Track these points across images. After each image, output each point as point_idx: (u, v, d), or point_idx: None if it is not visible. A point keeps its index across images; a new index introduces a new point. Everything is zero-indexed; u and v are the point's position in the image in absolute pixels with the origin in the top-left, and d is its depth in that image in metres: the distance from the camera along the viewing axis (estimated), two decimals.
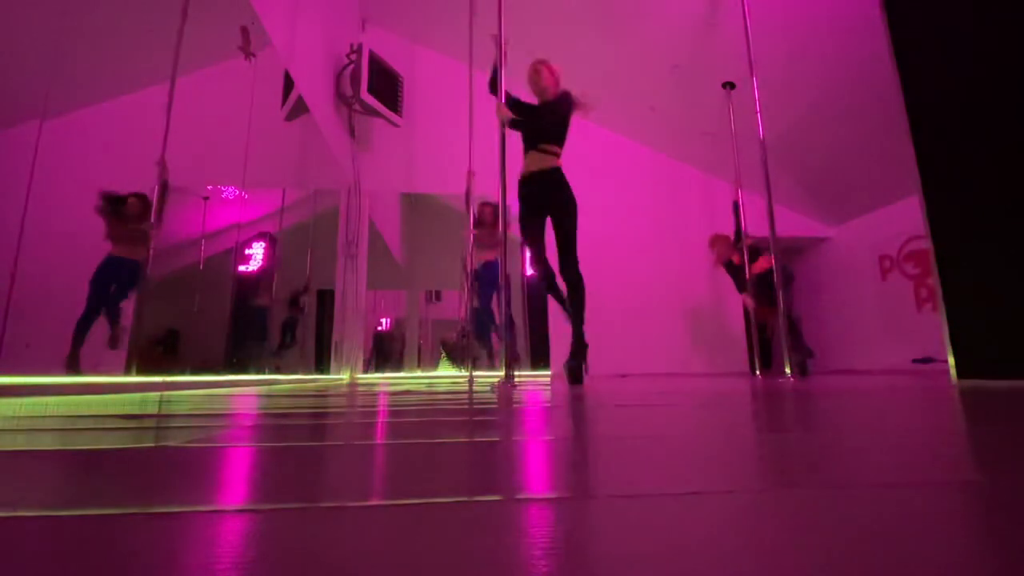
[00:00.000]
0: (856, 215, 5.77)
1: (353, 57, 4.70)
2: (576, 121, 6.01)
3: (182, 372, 2.60)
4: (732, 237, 4.55)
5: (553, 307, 5.32)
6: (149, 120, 2.36)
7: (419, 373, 5.52)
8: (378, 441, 0.75)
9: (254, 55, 3.17)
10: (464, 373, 4.83)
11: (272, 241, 3.96)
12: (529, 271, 5.59)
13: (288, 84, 3.73)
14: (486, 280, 4.43)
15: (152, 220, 2.27)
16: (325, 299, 4.93)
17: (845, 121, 4.61)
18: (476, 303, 4.57)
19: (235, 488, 0.45)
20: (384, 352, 5.65)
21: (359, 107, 4.76)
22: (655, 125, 5.61)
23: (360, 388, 2.72)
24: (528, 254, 2.97)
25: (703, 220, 5.83)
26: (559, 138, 2.89)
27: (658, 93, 5.21)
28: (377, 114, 4.89)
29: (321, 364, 4.75)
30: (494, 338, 4.50)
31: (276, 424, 0.98)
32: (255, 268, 3.86)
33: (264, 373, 3.71)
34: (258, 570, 0.24)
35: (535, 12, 4.59)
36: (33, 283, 1.69)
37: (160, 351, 2.56)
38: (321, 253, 4.96)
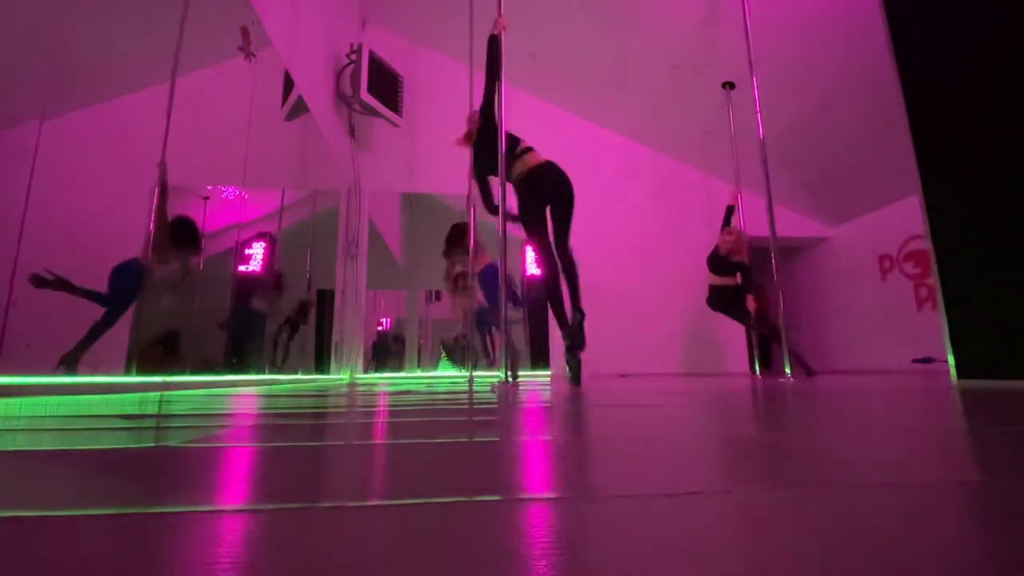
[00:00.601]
0: (856, 215, 5.77)
1: (353, 57, 4.70)
2: (576, 121, 6.01)
3: (182, 372, 2.60)
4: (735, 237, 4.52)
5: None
6: (149, 120, 2.36)
7: (419, 373, 5.52)
8: (378, 441, 0.75)
9: (254, 55, 3.17)
10: (464, 373, 4.83)
11: (272, 241, 3.96)
12: (530, 271, 5.58)
13: (288, 84, 3.73)
14: (489, 283, 4.42)
15: (153, 221, 2.27)
16: (325, 299, 4.93)
17: (845, 121, 4.61)
18: (477, 304, 4.56)
19: (235, 488, 0.45)
20: (384, 352, 5.65)
21: (359, 107, 4.76)
22: (655, 125, 5.61)
23: (360, 388, 2.72)
24: (533, 250, 2.97)
25: (703, 220, 5.83)
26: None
27: (658, 93, 5.21)
28: (377, 114, 4.88)
29: (321, 364, 4.75)
30: (494, 338, 4.49)
31: (276, 424, 0.98)
32: (266, 270, 3.86)
33: (264, 373, 3.71)
34: (258, 570, 0.24)
35: (535, 12, 4.59)
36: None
37: (160, 351, 2.56)
38: (321, 253, 4.96)
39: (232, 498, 0.41)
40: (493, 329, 4.50)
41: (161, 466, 0.54)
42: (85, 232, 2.02)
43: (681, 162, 5.94)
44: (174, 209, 2.57)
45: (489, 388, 2.50)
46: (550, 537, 0.29)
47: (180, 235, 2.69)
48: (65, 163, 1.88)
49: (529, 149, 2.98)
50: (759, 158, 3.76)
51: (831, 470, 0.49)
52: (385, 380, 4.64)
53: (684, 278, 5.55)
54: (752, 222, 4.79)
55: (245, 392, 2.30)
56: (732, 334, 5.43)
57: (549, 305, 2.95)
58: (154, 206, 2.32)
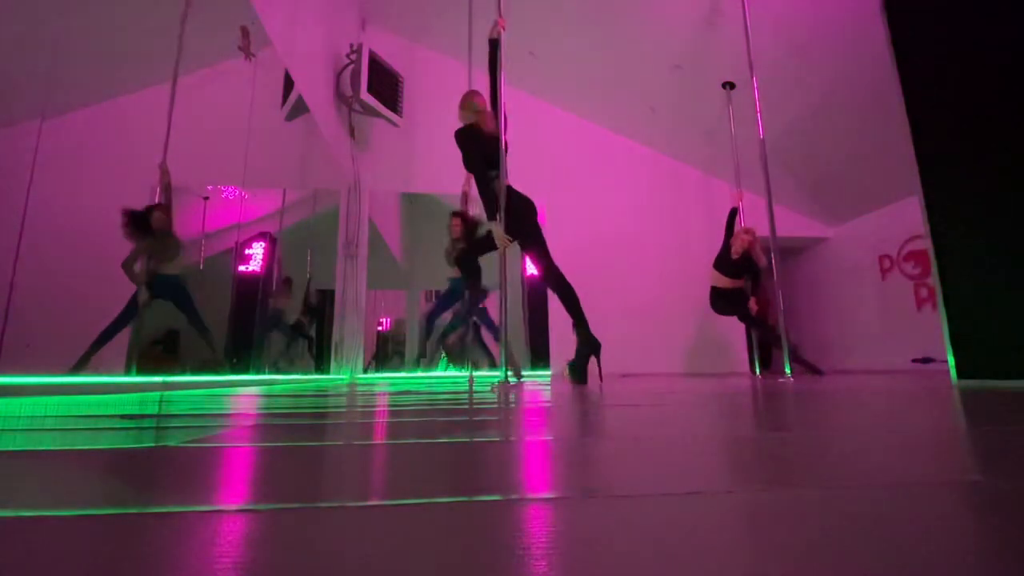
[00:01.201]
0: (856, 215, 5.77)
1: (353, 57, 4.70)
2: (576, 121, 6.01)
3: (182, 372, 2.60)
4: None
5: (554, 306, 5.32)
6: (149, 120, 2.36)
7: (419, 373, 5.52)
8: (378, 441, 0.75)
9: (254, 55, 3.17)
10: (464, 373, 4.82)
11: (272, 241, 3.96)
12: (530, 271, 5.58)
13: (288, 84, 3.73)
14: (453, 292, 4.37)
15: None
16: (325, 299, 4.93)
17: (845, 121, 4.61)
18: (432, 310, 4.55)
19: (235, 488, 0.45)
20: (384, 352, 5.65)
21: (359, 107, 4.76)
22: (655, 125, 5.61)
23: (360, 388, 2.72)
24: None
25: (703, 220, 5.83)
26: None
27: (658, 93, 5.21)
28: (377, 114, 4.88)
29: (321, 364, 4.75)
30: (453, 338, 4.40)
31: (276, 424, 0.98)
32: (278, 275, 3.88)
33: (264, 373, 3.71)
34: (258, 570, 0.24)
35: (535, 12, 4.59)
36: (33, 283, 1.69)
37: (160, 351, 2.56)
38: (321, 253, 4.96)
39: (232, 498, 0.41)
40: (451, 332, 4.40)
41: (161, 466, 0.54)
42: (85, 232, 2.02)
43: (681, 162, 5.94)
44: (175, 209, 2.57)
45: (489, 388, 2.50)
46: (550, 537, 0.29)
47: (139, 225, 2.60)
48: (65, 163, 1.88)
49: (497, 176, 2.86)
50: (759, 158, 3.77)
51: (831, 470, 0.49)
52: (385, 380, 4.64)
53: (685, 278, 5.55)
54: (752, 222, 4.79)
55: (245, 392, 2.30)
56: (733, 334, 5.43)
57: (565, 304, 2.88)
58: (158, 198, 2.32)
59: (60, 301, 1.90)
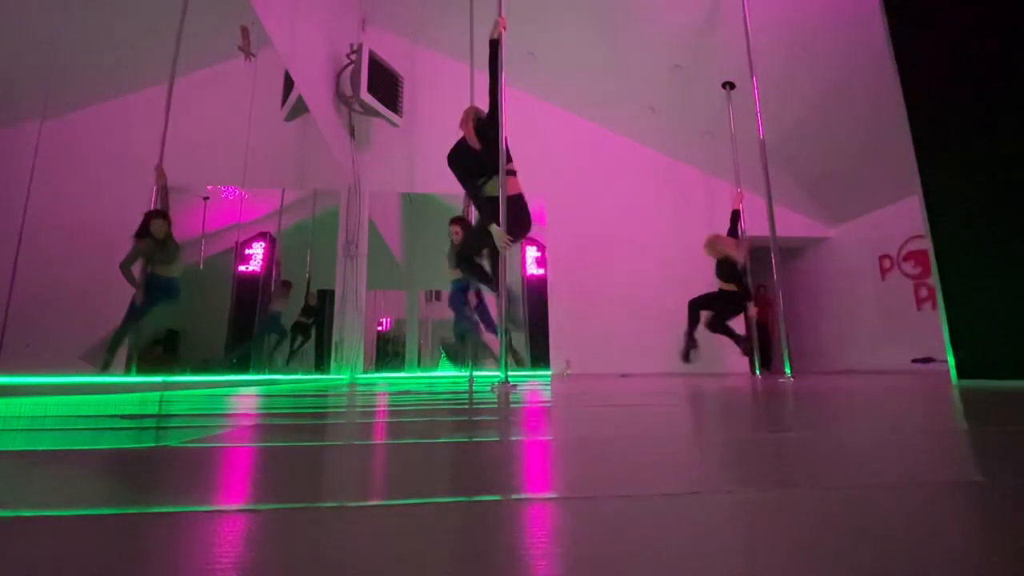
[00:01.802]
0: (856, 215, 5.77)
1: (353, 57, 4.70)
2: (576, 121, 6.01)
3: (182, 372, 2.60)
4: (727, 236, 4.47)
5: (554, 306, 5.33)
6: (149, 120, 2.36)
7: (419, 373, 5.52)
8: (378, 441, 0.75)
9: (254, 55, 3.17)
10: (464, 373, 4.82)
11: (272, 241, 3.96)
12: (530, 271, 5.58)
13: (288, 84, 3.73)
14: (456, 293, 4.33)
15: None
16: (325, 299, 4.93)
17: (845, 121, 4.61)
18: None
19: (235, 488, 0.45)
20: (384, 352, 5.65)
21: (359, 107, 4.76)
22: (655, 125, 5.61)
23: (360, 388, 2.72)
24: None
25: (703, 220, 5.83)
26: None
27: (658, 93, 5.21)
28: (377, 114, 4.88)
29: (321, 364, 4.75)
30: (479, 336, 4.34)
31: (276, 424, 0.98)
32: (270, 273, 3.88)
33: (264, 373, 3.71)
34: (258, 570, 0.24)
35: (535, 12, 4.59)
36: (33, 283, 1.69)
37: (160, 351, 2.56)
38: (321, 253, 4.96)
39: (232, 498, 0.41)
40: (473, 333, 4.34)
41: (161, 466, 0.54)
42: (85, 232, 2.02)
43: (681, 162, 5.94)
44: (174, 209, 2.57)
45: (489, 388, 2.50)
46: (550, 537, 0.29)
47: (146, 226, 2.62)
48: (65, 163, 1.88)
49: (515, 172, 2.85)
50: (759, 158, 3.76)
51: (831, 470, 0.49)
52: (385, 380, 4.64)
53: (684, 278, 5.55)
54: (752, 222, 4.79)
55: (245, 392, 2.30)
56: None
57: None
58: (155, 201, 2.32)
59: (60, 301, 1.90)
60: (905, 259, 5.23)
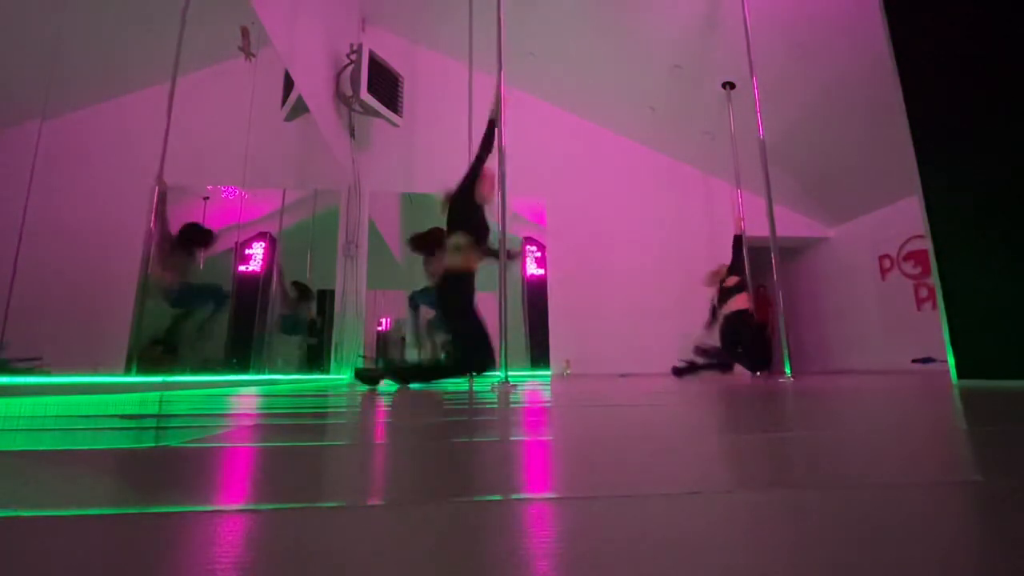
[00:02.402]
0: (856, 215, 5.77)
1: (353, 57, 4.70)
2: (576, 121, 6.01)
3: (182, 372, 2.60)
4: (726, 269, 4.44)
5: (554, 307, 5.33)
6: (149, 120, 2.36)
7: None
8: (378, 441, 0.75)
9: (254, 55, 3.17)
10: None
11: (272, 241, 3.96)
12: (530, 271, 5.58)
13: (288, 84, 3.73)
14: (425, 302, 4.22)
15: (153, 228, 2.29)
16: (325, 299, 4.93)
17: (845, 121, 4.61)
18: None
19: (235, 488, 0.45)
20: (384, 351, 5.65)
21: (359, 107, 4.76)
22: (655, 125, 5.61)
23: (360, 388, 2.72)
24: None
25: (703, 220, 5.83)
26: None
27: (658, 93, 5.21)
28: (377, 114, 4.88)
29: (321, 364, 4.75)
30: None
31: (276, 424, 0.98)
32: (270, 273, 3.90)
33: (264, 373, 3.71)
34: (258, 570, 0.24)
35: (535, 12, 4.59)
36: (33, 283, 1.69)
37: (160, 351, 2.56)
38: (321, 253, 4.96)
39: (232, 498, 0.41)
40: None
41: (161, 466, 0.54)
42: (85, 232, 2.02)
43: (681, 162, 5.94)
44: (174, 209, 2.57)
45: (489, 388, 2.50)
46: (550, 537, 0.29)
47: (190, 238, 2.77)
48: (65, 163, 1.88)
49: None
50: (759, 158, 3.77)
51: (831, 470, 0.49)
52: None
53: (684, 278, 5.56)
54: (752, 222, 4.80)
55: (245, 392, 2.30)
56: None
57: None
58: (154, 219, 2.35)
59: (60, 301, 1.90)
60: (905, 259, 5.23)
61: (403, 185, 5.57)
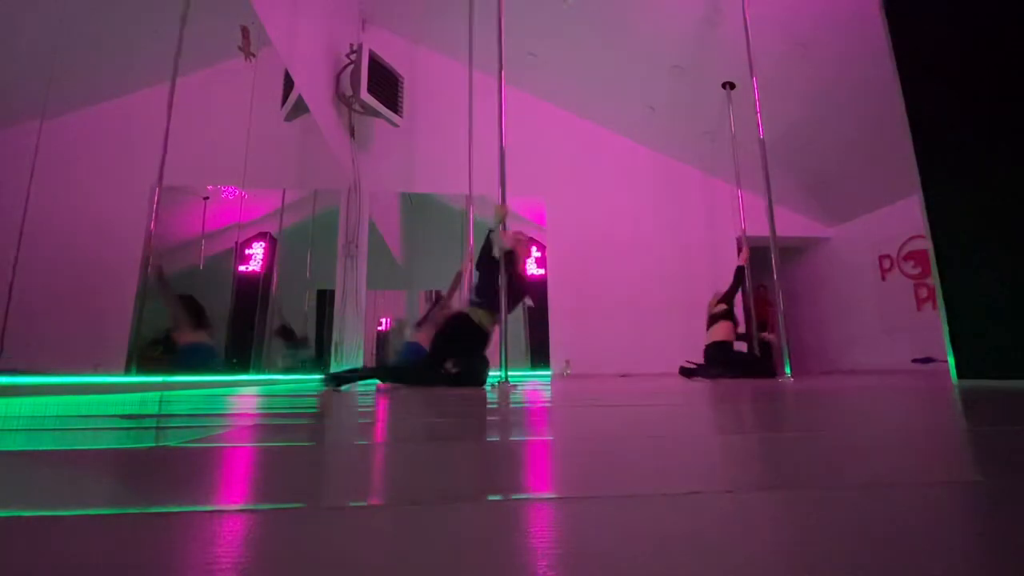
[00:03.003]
0: (856, 215, 5.77)
1: (353, 57, 4.70)
2: (576, 121, 6.00)
3: (182, 372, 2.60)
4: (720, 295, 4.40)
5: (554, 306, 5.33)
6: (149, 120, 2.36)
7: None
8: (377, 441, 0.75)
9: (254, 55, 3.17)
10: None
11: (272, 241, 3.96)
12: (530, 271, 5.57)
13: (288, 84, 3.73)
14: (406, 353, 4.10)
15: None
16: (325, 299, 4.93)
17: (845, 121, 4.61)
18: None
19: (235, 488, 0.45)
20: (384, 352, 5.65)
21: (359, 107, 4.76)
22: (655, 125, 5.61)
23: (360, 388, 2.72)
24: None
25: (703, 220, 5.83)
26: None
27: (658, 93, 5.21)
28: (377, 114, 4.88)
29: (321, 364, 4.75)
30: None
31: (275, 424, 0.98)
32: (270, 273, 3.90)
33: (265, 373, 3.71)
34: (258, 570, 0.24)
35: (535, 12, 4.59)
36: (33, 283, 1.69)
37: (160, 351, 2.56)
38: (321, 253, 4.96)
39: (232, 498, 0.41)
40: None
41: (161, 466, 0.54)
42: (85, 232, 2.02)
43: (681, 162, 5.94)
44: (174, 209, 2.57)
45: (489, 388, 2.50)
46: (550, 537, 0.29)
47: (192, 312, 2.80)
48: (65, 163, 1.88)
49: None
50: (759, 158, 3.76)
51: (831, 470, 0.49)
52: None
53: (684, 278, 5.56)
54: (752, 222, 4.80)
55: (245, 392, 2.30)
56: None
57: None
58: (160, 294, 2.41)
59: (60, 301, 1.90)
60: (905, 259, 5.23)
61: (403, 185, 5.57)
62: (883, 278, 5.45)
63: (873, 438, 0.70)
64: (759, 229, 4.17)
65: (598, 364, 5.16)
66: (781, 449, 0.62)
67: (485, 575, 0.24)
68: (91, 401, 1.52)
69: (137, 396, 1.86)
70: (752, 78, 3.82)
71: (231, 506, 0.37)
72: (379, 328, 5.61)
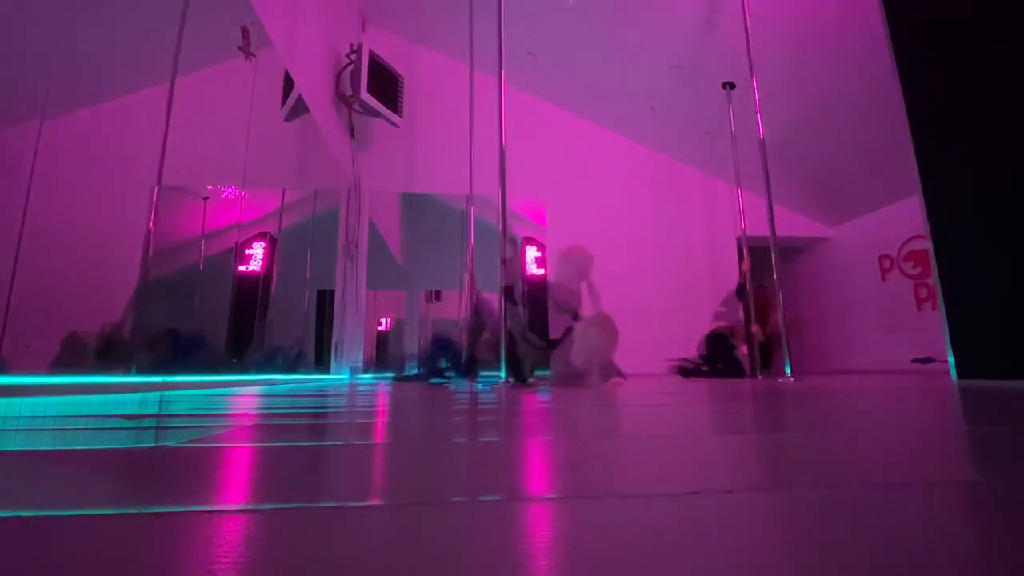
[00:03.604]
0: (856, 215, 5.77)
1: (353, 57, 4.70)
2: (576, 121, 6.01)
3: (182, 372, 2.60)
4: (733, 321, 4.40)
5: (554, 307, 5.32)
6: (149, 120, 2.36)
7: (419, 372, 5.51)
8: (377, 441, 0.75)
9: (254, 55, 3.17)
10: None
11: (272, 241, 3.96)
12: (530, 271, 5.58)
13: (288, 84, 3.73)
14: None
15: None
16: (325, 299, 4.93)
17: (845, 121, 4.61)
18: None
19: (235, 488, 0.45)
20: (384, 352, 5.65)
21: (359, 107, 4.76)
22: (655, 125, 5.61)
23: (360, 388, 2.72)
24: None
25: (703, 220, 5.83)
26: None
27: (658, 93, 5.21)
28: (377, 114, 4.88)
29: (321, 364, 4.75)
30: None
31: (276, 424, 0.98)
32: (270, 273, 3.89)
33: (264, 373, 3.71)
34: (258, 570, 0.24)
35: (535, 12, 4.59)
36: (33, 283, 1.69)
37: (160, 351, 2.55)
38: (321, 253, 4.96)
39: (232, 498, 0.41)
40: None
41: (161, 466, 0.54)
42: (85, 232, 2.02)
43: (681, 162, 5.94)
44: (175, 209, 2.57)
45: (489, 388, 2.50)
46: (550, 537, 0.29)
47: None
48: (65, 163, 1.88)
49: None
50: (759, 158, 3.76)
51: (831, 470, 0.49)
52: (386, 380, 4.63)
53: (684, 278, 5.56)
54: (752, 222, 4.79)
55: (245, 392, 2.30)
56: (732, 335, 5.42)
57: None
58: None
59: (60, 301, 1.90)
60: (905, 259, 5.23)
61: (403, 185, 5.57)
62: (883, 278, 5.45)
63: (873, 438, 0.70)
64: (759, 229, 4.17)
65: None
66: (781, 449, 0.62)
67: (485, 574, 0.24)
68: (91, 401, 1.52)
69: (137, 396, 1.86)
70: (752, 78, 3.82)
71: (231, 506, 0.37)
72: (379, 328, 5.61)
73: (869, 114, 4.22)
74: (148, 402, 1.57)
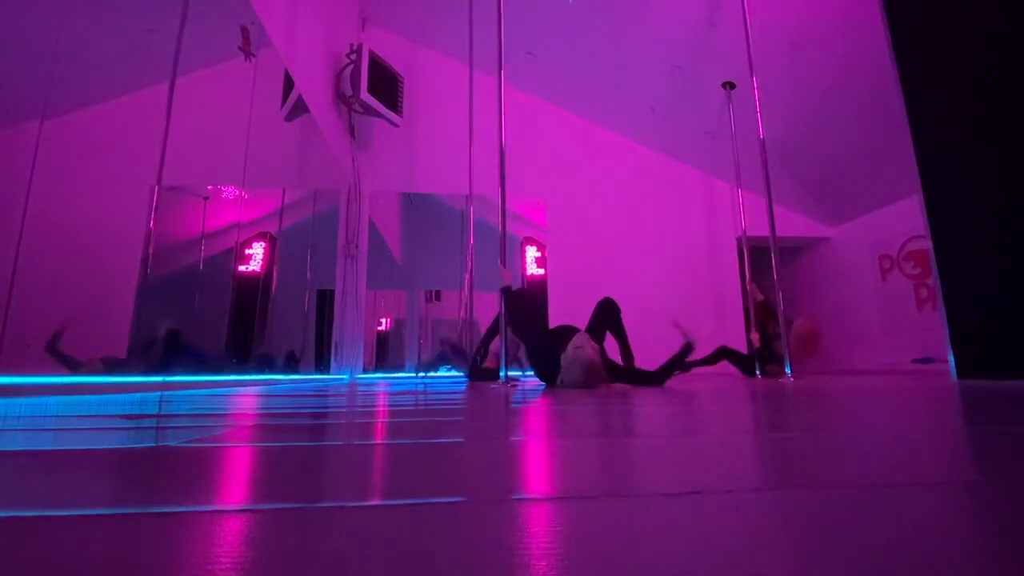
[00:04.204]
0: (856, 215, 5.77)
1: (353, 57, 4.70)
2: (576, 121, 6.01)
3: (182, 372, 2.60)
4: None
5: (554, 307, 5.33)
6: (149, 120, 2.36)
7: (420, 373, 5.51)
8: (378, 441, 0.75)
9: (254, 55, 3.17)
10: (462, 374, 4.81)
11: (272, 241, 3.96)
12: (530, 271, 5.58)
13: (288, 84, 3.73)
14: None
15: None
16: (325, 299, 4.93)
17: (845, 121, 4.61)
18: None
19: (235, 488, 0.45)
20: (384, 352, 5.65)
21: (359, 107, 4.76)
22: (655, 125, 5.61)
23: (360, 388, 2.72)
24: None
25: (703, 220, 5.83)
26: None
27: (658, 93, 5.21)
28: (377, 114, 4.88)
29: (321, 364, 4.75)
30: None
31: (276, 424, 0.98)
32: (270, 273, 3.89)
33: (264, 373, 3.71)
34: (258, 570, 0.24)
35: (535, 12, 4.59)
36: (33, 283, 1.69)
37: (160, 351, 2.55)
38: (321, 253, 4.96)
39: (232, 498, 0.41)
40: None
41: (161, 466, 0.54)
42: (85, 232, 2.02)
43: (681, 162, 5.94)
44: (175, 209, 2.57)
45: (489, 388, 2.50)
46: (550, 537, 0.29)
47: None
48: (65, 163, 1.88)
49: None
50: (759, 158, 3.76)
51: (830, 470, 0.49)
52: (385, 380, 4.63)
53: (684, 278, 5.56)
54: (752, 222, 4.79)
55: (245, 392, 2.30)
56: (732, 335, 5.43)
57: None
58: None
59: (60, 301, 1.90)
60: (905, 259, 5.23)
61: (403, 185, 5.57)
62: (883, 278, 5.45)
63: (873, 438, 0.70)
64: (759, 229, 4.17)
65: None
66: (781, 449, 0.62)
67: (484, 574, 0.24)
68: (91, 401, 1.52)
69: (137, 396, 1.86)
70: (752, 78, 3.82)
71: (231, 506, 0.37)
72: (379, 328, 5.61)
73: (869, 114, 4.22)
74: (148, 402, 1.57)
